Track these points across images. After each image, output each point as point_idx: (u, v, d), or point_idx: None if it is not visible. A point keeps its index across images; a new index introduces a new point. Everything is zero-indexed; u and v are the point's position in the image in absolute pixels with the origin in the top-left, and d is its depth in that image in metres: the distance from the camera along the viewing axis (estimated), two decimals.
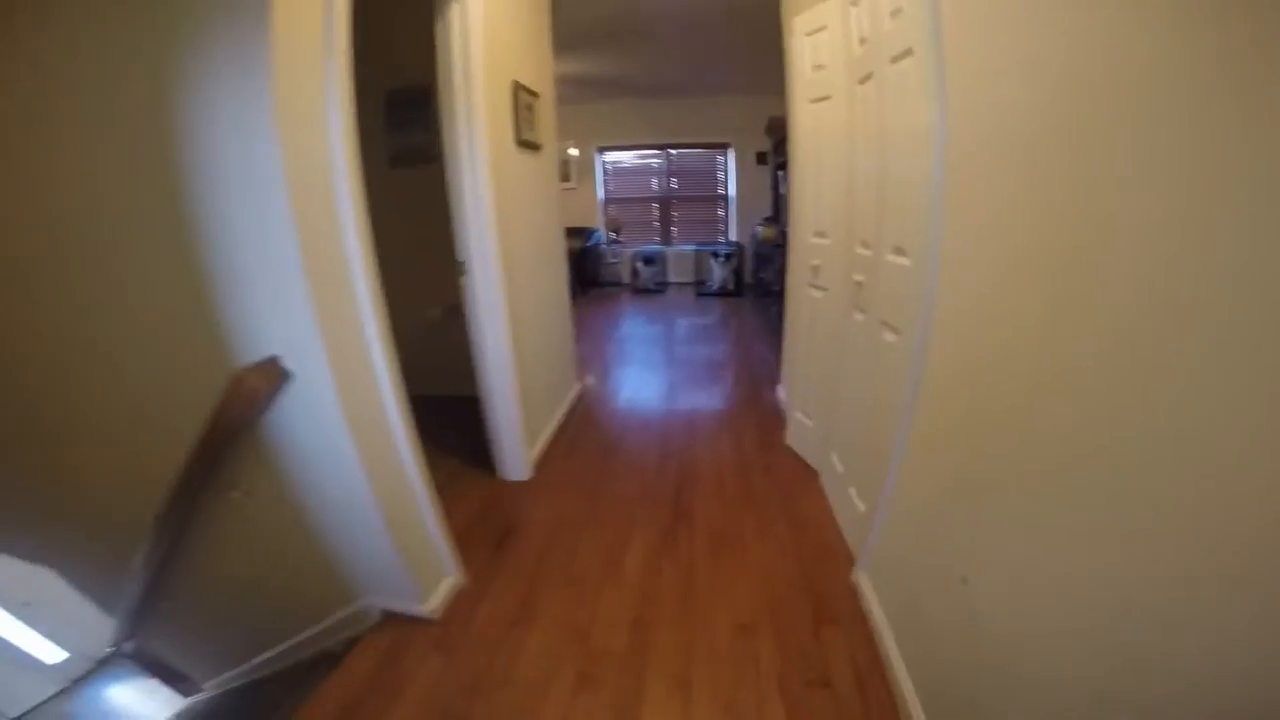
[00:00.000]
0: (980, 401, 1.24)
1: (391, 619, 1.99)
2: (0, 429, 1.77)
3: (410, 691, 1.72)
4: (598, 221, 8.75)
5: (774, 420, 3.47)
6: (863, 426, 2.12)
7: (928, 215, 1.45)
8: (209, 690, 2.22)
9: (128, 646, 2.13)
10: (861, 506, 2.06)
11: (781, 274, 3.98)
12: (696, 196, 8.78)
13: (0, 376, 1.71)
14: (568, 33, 3.61)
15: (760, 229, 7.06)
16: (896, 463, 1.66)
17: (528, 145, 2.93)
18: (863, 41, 2.08)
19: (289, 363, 1.50)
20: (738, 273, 8.00)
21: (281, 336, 1.48)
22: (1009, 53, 1.10)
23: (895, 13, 1.73)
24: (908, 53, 1.63)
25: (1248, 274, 0.63)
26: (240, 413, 1.47)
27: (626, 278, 8.79)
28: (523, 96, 2.84)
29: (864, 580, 1.93)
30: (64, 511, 1.90)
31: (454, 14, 2.23)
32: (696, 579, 2.12)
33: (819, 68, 2.55)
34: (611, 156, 8.74)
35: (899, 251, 1.75)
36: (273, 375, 1.47)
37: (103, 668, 2.20)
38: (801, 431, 2.97)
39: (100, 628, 2.08)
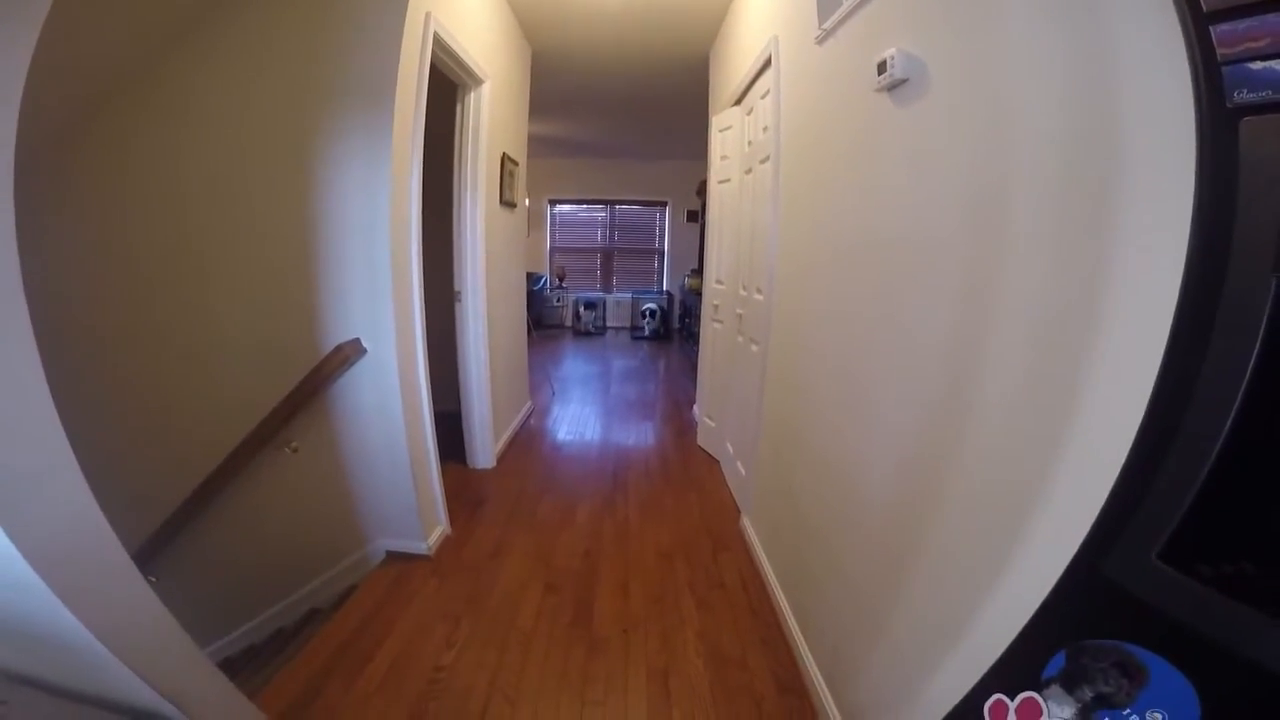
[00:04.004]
0: (788, 375, 2.15)
1: (394, 558, 2.60)
2: (136, 373, 2.45)
3: (416, 602, 2.33)
4: (545, 268, 9.58)
5: (689, 430, 4.34)
6: (743, 415, 2.98)
7: (769, 266, 2.40)
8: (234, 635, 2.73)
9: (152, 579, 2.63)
10: (744, 472, 2.90)
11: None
12: (635, 249, 9.80)
13: (155, 332, 2.42)
14: (533, 101, 4.44)
15: (688, 279, 8.05)
16: (758, 433, 2.53)
17: (507, 204, 3.74)
18: (750, 144, 3.04)
19: (367, 344, 2.23)
20: (666, 320, 8.99)
21: (365, 325, 2.22)
22: (798, 155, 2.08)
23: (765, 129, 2.65)
24: (768, 158, 2.54)
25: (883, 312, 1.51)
26: (331, 371, 2.18)
27: (569, 320, 9.62)
28: (507, 165, 3.66)
29: (747, 523, 2.75)
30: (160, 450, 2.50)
31: (470, 101, 3.07)
32: (630, 526, 2.89)
33: (724, 158, 3.52)
34: (561, 209, 9.68)
35: (758, 290, 2.68)
36: (357, 350, 2.20)
37: None
38: (708, 432, 3.85)
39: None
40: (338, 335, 2.25)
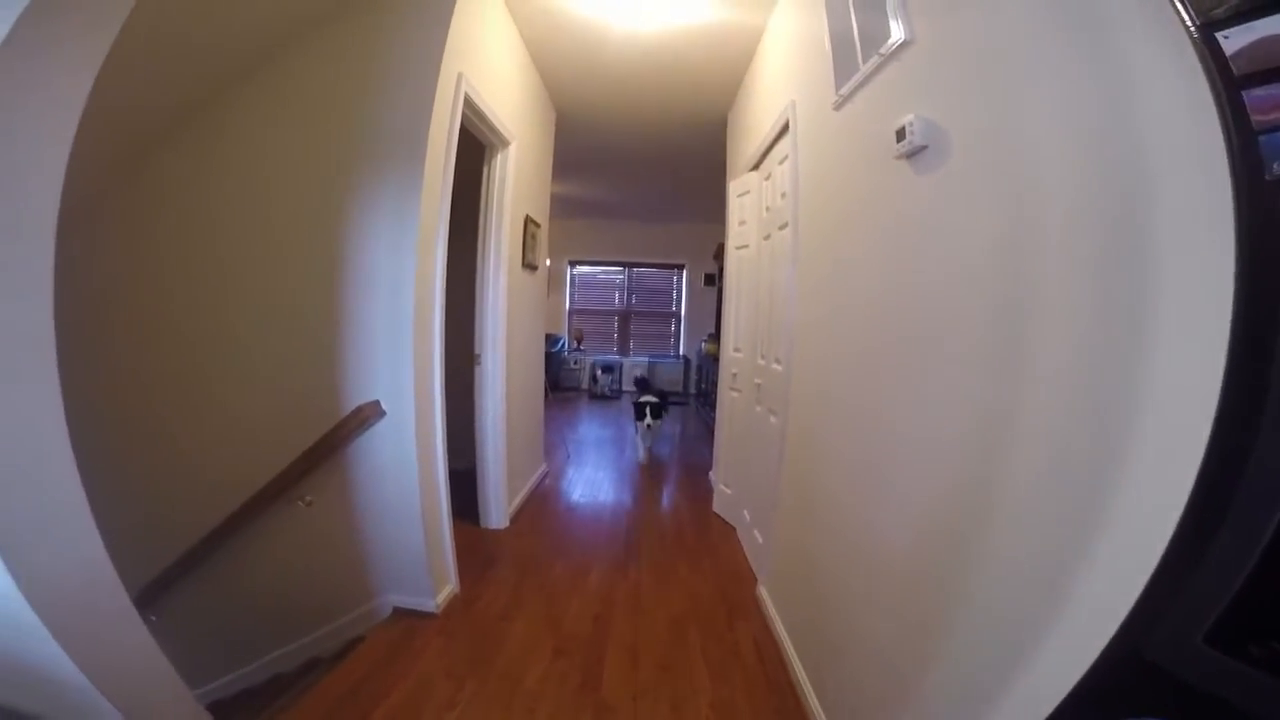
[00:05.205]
0: (807, 446, 2.13)
1: (401, 614, 2.54)
2: (158, 414, 2.51)
3: (421, 661, 2.26)
4: (563, 329, 9.71)
5: (705, 496, 4.27)
6: (760, 484, 2.94)
7: (788, 337, 2.40)
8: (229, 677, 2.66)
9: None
10: (761, 540, 2.83)
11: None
12: (652, 312, 9.94)
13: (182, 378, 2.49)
14: (555, 160, 4.52)
15: (704, 345, 8.08)
16: (776, 502, 2.48)
17: (529, 266, 3.84)
18: (768, 210, 3.10)
19: (386, 405, 2.27)
20: (664, 397, 5.81)
21: (386, 385, 2.27)
22: (816, 224, 2.12)
23: (782, 195, 2.71)
24: (786, 225, 2.58)
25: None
26: (350, 431, 2.20)
27: (585, 383, 9.66)
28: (530, 227, 3.77)
29: (764, 591, 2.67)
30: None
31: (497, 162, 3.19)
32: (643, 592, 2.81)
33: (743, 223, 3.59)
34: (580, 270, 9.90)
35: (777, 361, 2.69)
36: (376, 412, 2.23)
37: None
38: (724, 499, 3.80)
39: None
40: (358, 394, 2.30)
